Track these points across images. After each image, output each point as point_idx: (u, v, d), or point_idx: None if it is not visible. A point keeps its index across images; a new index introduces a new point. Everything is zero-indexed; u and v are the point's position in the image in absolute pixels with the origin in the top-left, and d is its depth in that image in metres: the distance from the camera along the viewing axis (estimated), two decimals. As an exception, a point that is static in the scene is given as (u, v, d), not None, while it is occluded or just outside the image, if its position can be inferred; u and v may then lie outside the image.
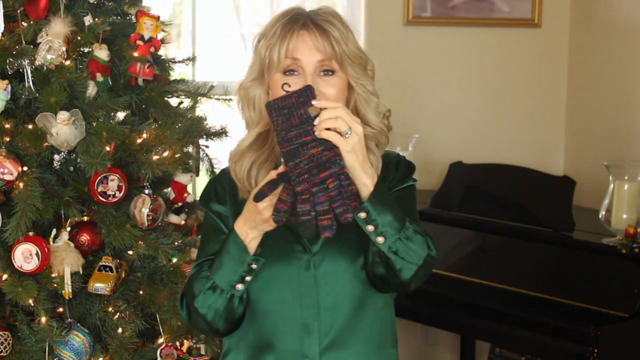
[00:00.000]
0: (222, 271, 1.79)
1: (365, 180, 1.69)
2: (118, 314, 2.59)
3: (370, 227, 1.70)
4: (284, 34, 1.80)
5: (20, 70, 2.49)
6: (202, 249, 1.92)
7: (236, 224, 1.78)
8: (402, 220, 1.73)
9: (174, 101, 2.85)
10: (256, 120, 1.87)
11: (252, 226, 1.76)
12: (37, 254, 2.44)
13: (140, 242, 2.58)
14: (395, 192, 1.87)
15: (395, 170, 1.89)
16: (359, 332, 1.85)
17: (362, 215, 1.69)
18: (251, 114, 1.88)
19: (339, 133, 1.66)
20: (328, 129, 1.66)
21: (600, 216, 3.20)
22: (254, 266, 1.77)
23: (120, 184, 2.53)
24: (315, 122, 1.66)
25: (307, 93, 1.69)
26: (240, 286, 1.79)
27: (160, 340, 2.63)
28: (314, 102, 1.67)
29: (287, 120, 1.67)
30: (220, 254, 1.81)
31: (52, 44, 2.47)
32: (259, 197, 1.68)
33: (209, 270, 1.82)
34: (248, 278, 1.78)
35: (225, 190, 1.91)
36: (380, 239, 1.71)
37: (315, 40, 1.79)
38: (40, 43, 2.49)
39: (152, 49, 2.66)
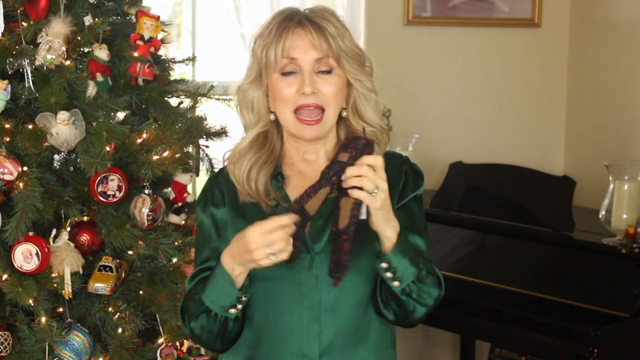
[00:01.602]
0: (213, 297, 1.79)
1: (390, 235, 1.73)
2: (118, 314, 2.59)
3: (389, 274, 1.75)
4: (280, 32, 1.79)
5: (20, 70, 2.49)
6: (197, 256, 1.91)
7: (223, 256, 1.76)
8: (417, 263, 1.77)
9: (174, 101, 2.85)
10: (255, 121, 1.87)
11: (239, 262, 1.74)
12: (37, 254, 2.44)
13: (140, 242, 2.58)
14: (406, 202, 1.88)
15: (403, 176, 1.89)
16: (359, 333, 1.84)
17: (384, 265, 1.75)
18: (250, 116, 1.87)
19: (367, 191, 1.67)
20: (356, 187, 1.66)
21: (600, 216, 3.20)
22: (243, 299, 1.77)
23: (120, 184, 2.53)
24: (342, 177, 1.68)
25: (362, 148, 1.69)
26: (233, 311, 1.79)
27: (160, 340, 2.63)
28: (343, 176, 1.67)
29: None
30: (210, 280, 1.80)
31: (52, 44, 2.48)
32: (301, 200, 1.69)
33: (201, 293, 1.81)
34: (239, 306, 1.78)
35: (223, 194, 1.89)
36: (396, 283, 1.76)
37: (311, 37, 1.79)
38: (40, 43, 2.49)
39: (152, 49, 2.66)
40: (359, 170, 1.65)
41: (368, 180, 1.65)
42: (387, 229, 1.73)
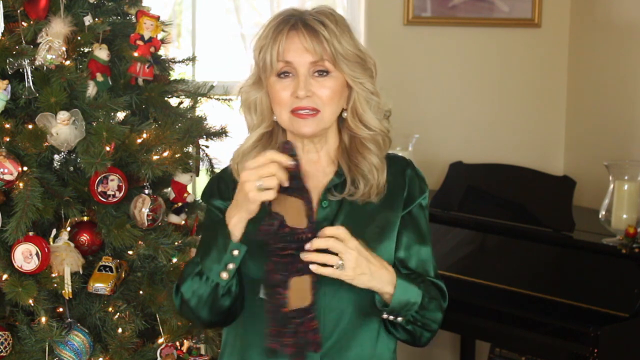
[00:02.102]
0: (208, 259, 1.79)
1: (388, 289, 1.77)
2: (118, 314, 2.59)
3: (391, 317, 1.80)
4: (275, 36, 1.80)
5: (20, 70, 2.49)
6: (202, 243, 1.91)
7: (227, 210, 1.78)
8: (419, 295, 1.80)
9: (174, 101, 2.85)
10: (258, 122, 1.88)
11: (236, 206, 1.74)
12: (37, 254, 2.44)
13: (140, 242, 2.58)
14: (411, 210, 1.90)
15: (407, 182, 1.90)
16: (361, 336, 1.85)
17: (385, 316, 1.80)
18: (253, 117, 1.88)
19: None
20: (323, 264, 1.70)
21: (600, 216, 3.20)
22: (235, 252, 1.76)
23: (120, 184, 2.53)
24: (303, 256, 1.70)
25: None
26: (225, 275, 1.77)
27: (160, 340, 2.63)
28: (306, 246, 1.69)
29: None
30: (211, 241, 1.81)
31: (52, 44, 2.47)
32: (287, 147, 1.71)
33: (199, 256, 1.82)
34: (231, 266, 1.77)
35: (228, 188, 1.90)
36: (400, 319, 1.81)
37: (304, 41, 1.79)
38: (40, 43, 2.49)
39: (152, 49, 2.66)
40: (325, 242, 1.68)
41: (332, 257, 1.68)
42: (383, 285, 1.76)
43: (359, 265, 1.71)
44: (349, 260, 1.69)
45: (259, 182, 1.67)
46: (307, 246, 1.68)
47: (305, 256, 1.68)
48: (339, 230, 1.69)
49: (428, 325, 1.84)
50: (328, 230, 1.69)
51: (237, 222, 1.74)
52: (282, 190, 1.69)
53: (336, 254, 1.70)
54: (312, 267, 1.68)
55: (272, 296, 1.71)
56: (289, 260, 1.71)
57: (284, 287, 1.71)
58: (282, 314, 1.70)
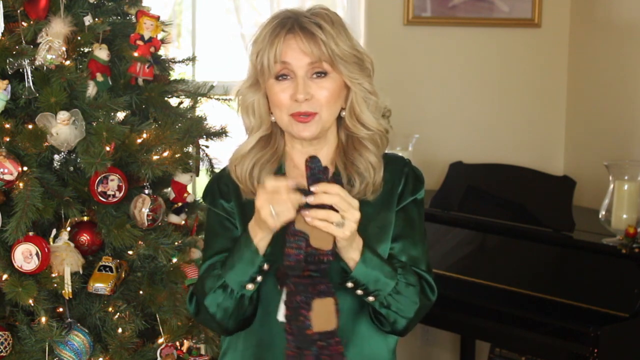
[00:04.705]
0: (233, 272, 1.78)
1: (353, 255, 1.74)
2: (118, 314, 2.59)
3: (360, 292, 1.77)
4: (272, 39, 1.80)
5: (20, 70, 2.49)
6: (210, 246, 1.91)
7: (250, 224, 1.78)
8: (393, 276, 1.78)
9: (174, 101, 2.85)
10: (257, 125, 1.87)
11: (258, 225, 1.75)
12: (37, 254, 2.44)
13: (140, 242, 2.58)
14: (405, 205, 1.89)
15: (403, 181, 1.90)
16: (359, 336, 1.85)
17: (350, 285, 1.75)
18: (251, 120, 1.88)
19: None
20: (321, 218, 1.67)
21: (600, 216, 3.20)
22: (265, 267, 1.77)
23: (120, 184, 2.53)
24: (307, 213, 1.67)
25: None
26: (250, 286, 1.78)
27: (160, 340, 2.64)
28: (308, 200, 1.67)
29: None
30: (232, 253, 1.80)
31: (52, 44, 2.48)
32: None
33: (221, 269, 1.81)
34: (259, 278, 1.78)
35: (229, 188, 1.90)
36: (371, 299, 1.77)
37: (301, 44, 1.79)
38: (40, 43, 2.49)
39: (152, 49, 2.66)
40: (331, 199, 1.66)
41: (334, 214, 1.66)
42: (349, 251, 1.74)
43: (356, 228, 1.70)
44: (350, 220, 1.68)
45: (272, 209, 1.68)
46: (310, 199, 1.66)
47: (305, 212, 1.67)
48: (343, 192, 1.68)
49: (403, 311, 1.79)
50: (332, 187, 1.68)
51: (262, 237, 1.75)
52: (305, 206, 1.67)
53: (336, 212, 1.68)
54: (308, 219, 1.66)
55: (295, 318, 1.70)
56: (309, 282, 1.70)
57: (307, 308, 1.69)
58: (306, 336, 1.69)
